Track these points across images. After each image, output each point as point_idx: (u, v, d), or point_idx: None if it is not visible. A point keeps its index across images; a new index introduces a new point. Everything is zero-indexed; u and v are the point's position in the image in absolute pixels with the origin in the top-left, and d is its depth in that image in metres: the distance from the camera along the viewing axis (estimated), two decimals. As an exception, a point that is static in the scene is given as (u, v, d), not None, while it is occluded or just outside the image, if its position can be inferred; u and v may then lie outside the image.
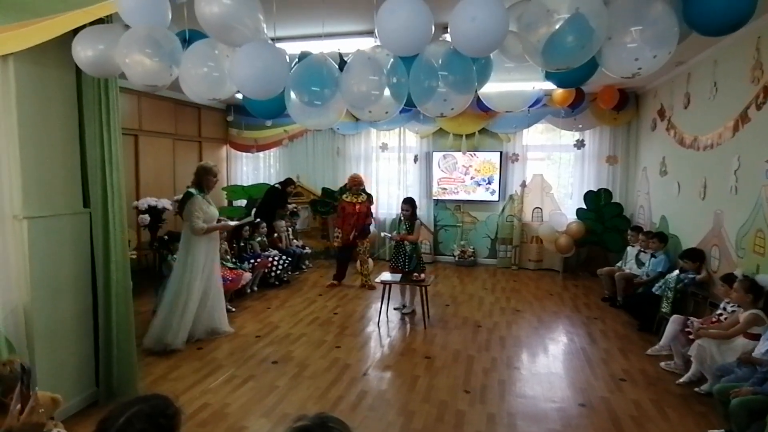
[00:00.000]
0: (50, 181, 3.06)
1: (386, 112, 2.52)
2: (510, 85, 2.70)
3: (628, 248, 6.00)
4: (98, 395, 3.35)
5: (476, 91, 2.38)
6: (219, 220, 4.54)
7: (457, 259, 7.93)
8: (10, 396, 1.82)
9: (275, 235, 7.02)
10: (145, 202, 6.47)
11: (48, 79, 3.02)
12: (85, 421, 3.02)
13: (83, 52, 2.61)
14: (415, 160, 8.12)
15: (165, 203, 6.61)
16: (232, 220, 4.97)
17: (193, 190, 4.39)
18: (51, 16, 2.64)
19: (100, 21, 2.73)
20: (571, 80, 2.38)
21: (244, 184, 8.50)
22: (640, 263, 5.59)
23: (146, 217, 6.43)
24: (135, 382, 3.38)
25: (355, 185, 6.12)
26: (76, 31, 2.66)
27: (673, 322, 4.06)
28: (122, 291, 3.24)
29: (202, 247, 4.30)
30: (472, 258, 7.90)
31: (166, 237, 5.30)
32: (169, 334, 4.19)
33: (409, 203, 5.28)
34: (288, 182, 7.33)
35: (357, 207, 6.04)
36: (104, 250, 3.23)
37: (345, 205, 6.12)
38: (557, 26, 1.89)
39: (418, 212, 5.39)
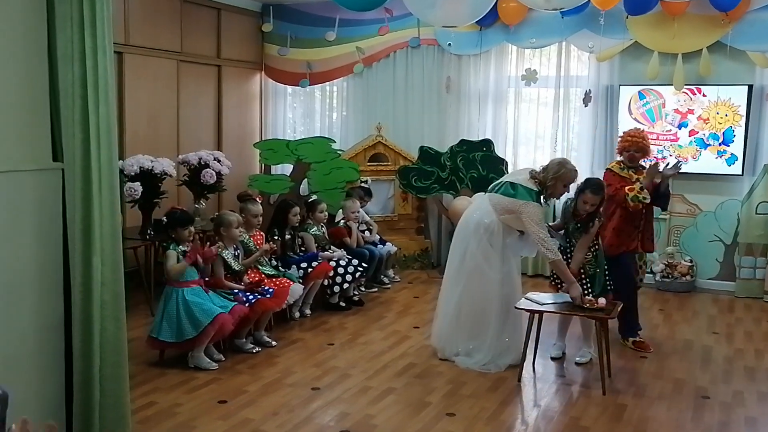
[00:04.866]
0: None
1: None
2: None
3: None
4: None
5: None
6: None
7: (659, 278, 7.11)
8: None
9: (339, 222, 6.64)
10: (134, 161, 6.00)
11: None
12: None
13: None
14: (586, 101, 7.20)
15: (166, 165, 6.16)
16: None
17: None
18: None
19: None
20: None
21: (289, 139, 7.95)
22: None
23: (136, 188, 5.91)
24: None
25: (635, 151, 5.39)
26: None
27: None
28: (111, 298, 3.36)
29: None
30: (689, 277, 7.08)
31: (164, 220, 5.01)
32: (458, 342, 4.86)
33: (600, 191, 4.71)
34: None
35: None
36: (84, 231, 3.24)
37: (611, 180, 5.51)
38: None
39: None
